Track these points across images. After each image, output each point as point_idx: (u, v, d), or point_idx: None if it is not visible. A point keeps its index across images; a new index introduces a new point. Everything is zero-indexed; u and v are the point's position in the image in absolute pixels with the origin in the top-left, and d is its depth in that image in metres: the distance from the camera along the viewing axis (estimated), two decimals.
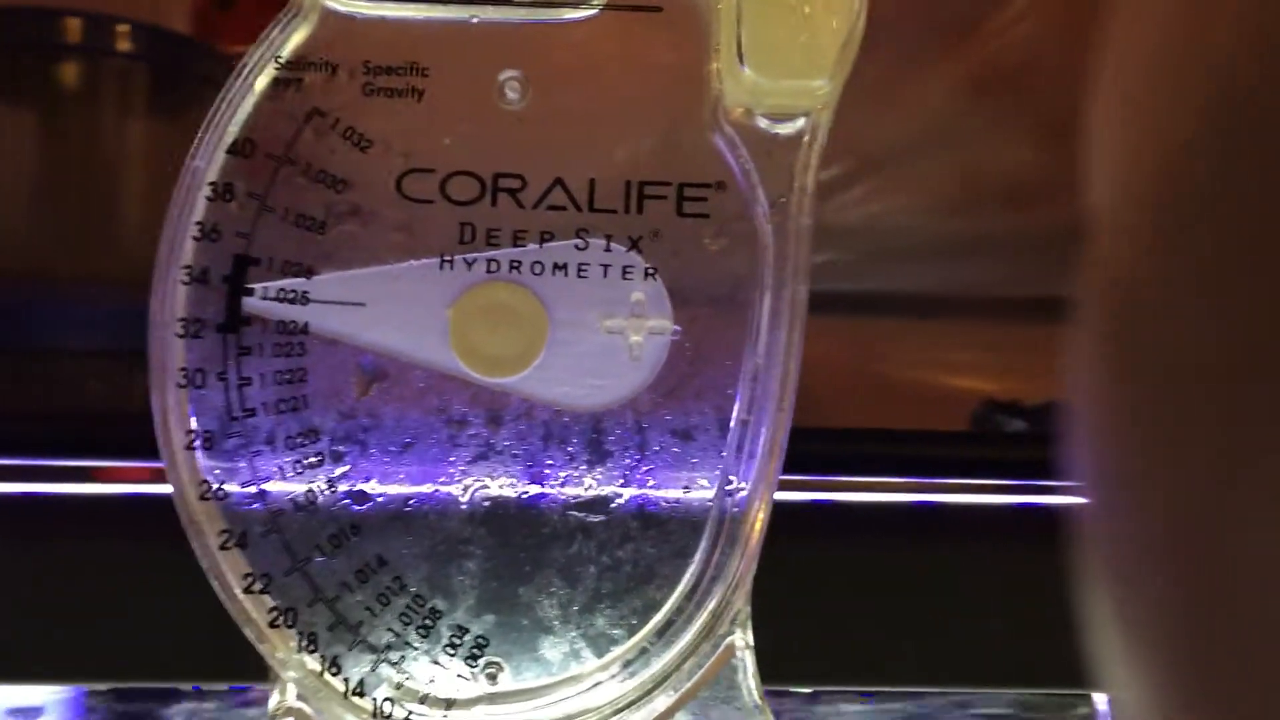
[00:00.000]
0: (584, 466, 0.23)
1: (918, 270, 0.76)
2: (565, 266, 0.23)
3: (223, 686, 0.35)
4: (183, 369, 0.22)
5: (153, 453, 0.41)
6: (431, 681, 0.23)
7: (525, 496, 0.23)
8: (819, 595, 0.35)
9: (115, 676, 0.33)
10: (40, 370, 0.63)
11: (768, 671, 0.24)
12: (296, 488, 0.22)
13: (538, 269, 0.23)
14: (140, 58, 0.64)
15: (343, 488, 0.23)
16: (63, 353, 0.62)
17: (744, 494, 0.23)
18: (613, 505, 0.23)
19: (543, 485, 0.23)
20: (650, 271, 0.23)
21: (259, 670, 0.23)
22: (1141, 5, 0.14)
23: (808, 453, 0.38)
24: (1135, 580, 0.13)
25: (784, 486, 0.26)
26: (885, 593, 0.37)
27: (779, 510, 0.28)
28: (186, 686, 0.36)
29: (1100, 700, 0.54)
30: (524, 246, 0.23)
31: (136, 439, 0.36)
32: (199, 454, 0.22)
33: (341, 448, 0.23)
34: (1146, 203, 0.12)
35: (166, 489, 0.37)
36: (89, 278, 0.62)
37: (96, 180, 0.62)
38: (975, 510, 0.41)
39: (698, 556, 0.23)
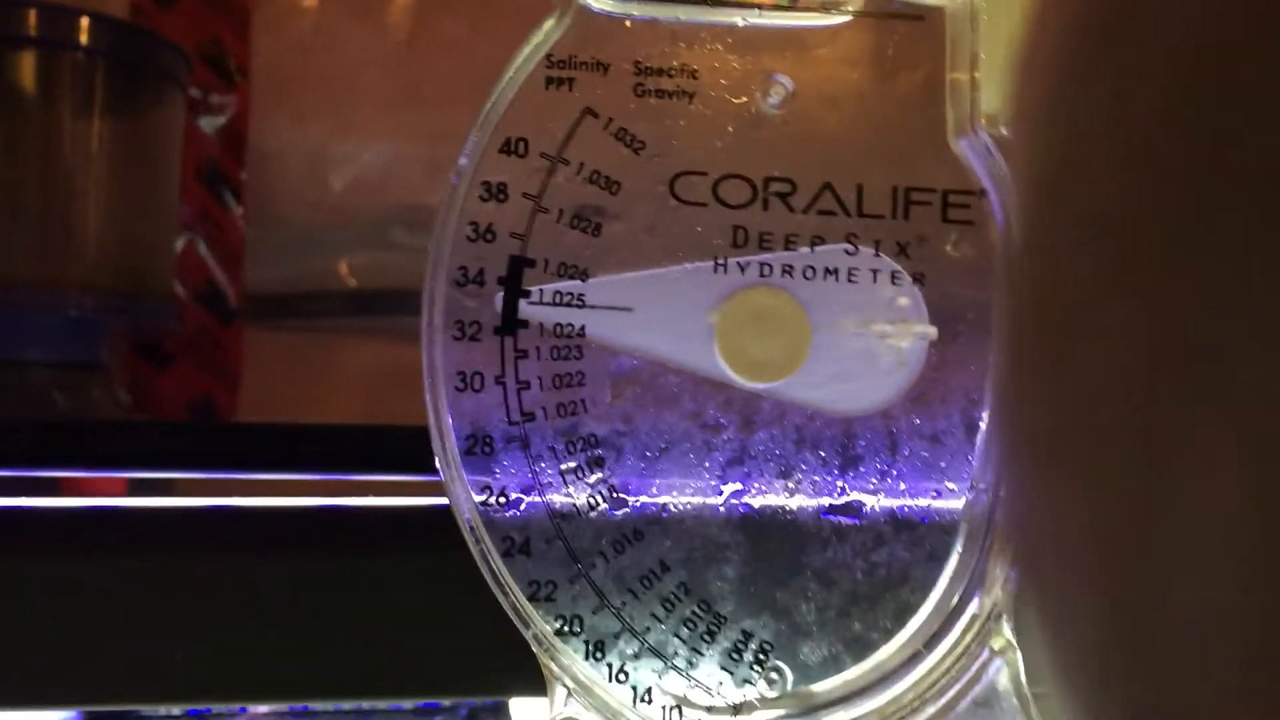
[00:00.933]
0: (835, 471, 0.23)
1: None
2: (836, 271, 0.23)
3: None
4: (460, 372, 0.21)
5: (119, 464, 0.40)
6: (715, 688, 0.22)
7: (778, 501, 0.23)
8: None
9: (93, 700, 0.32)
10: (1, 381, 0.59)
11: None
12: (575, 494, 0.22)
13: (809, 273, 0.23)
14: (100, 52, 0.61)
15: (613, 494, 0.22)
16: (24, 363, 0.59)
17: (992, 496, 0.23)
18: (865, 509, 0.23)
19: (793, 490, 0.23)
20: (917, 277, 0.23)
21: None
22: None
23: None
24: (1058, 583, 0.14)
25: None
26: None
27: None
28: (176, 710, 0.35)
29: None
30: (796, 250, 0.23)
31: (103, 451, 0.35)
32: (479, 461, 0.21)
33: (607, 452, 0.22)
34: (1064, 203, 0.13)
35: (136, 501, 0.36)
36: (49, 284, 0.59)
37: (55, 179, 0.59)
38: None
39: (952, 560, 0.23)
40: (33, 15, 0.60)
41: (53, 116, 0.61)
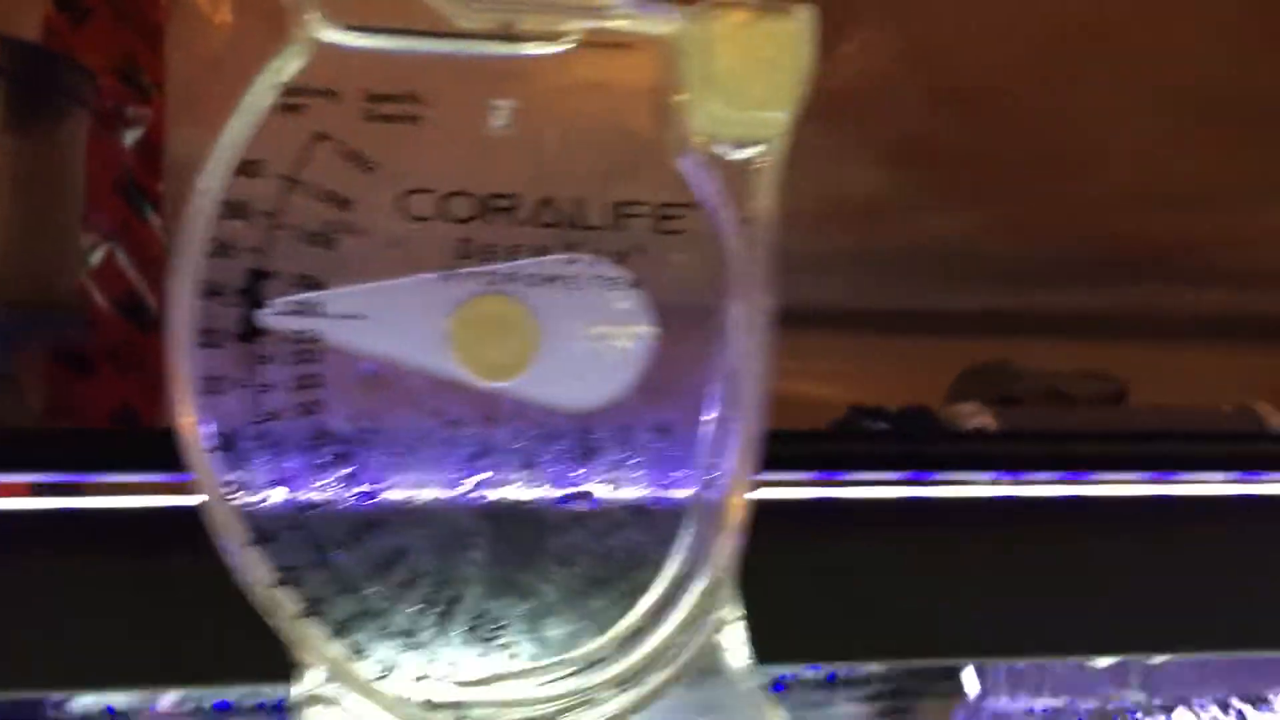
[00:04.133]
0: (575, 462, 0.25)
1: (779, 286, 0.80)
2: (557, 279, 0.25)
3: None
4: (204, 377, 0.23)
5: (29, 467, 0.41)
6: (451, 663, 0.24)
7: (521, 492, 0.25)
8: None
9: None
10: None
11: None
12: (315, 487, 0.24)
13: (531, 281, 0.25)
14: (2, 72, 0.63)
15: (356, 486, 0.24)
16: None
17: (724, 482, 0.25)
18: (602, 496, 0.25)
19: (537, 480, 0.25)
20: (634, 282, 0.25)
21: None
22: None
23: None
24: None
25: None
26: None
27: None
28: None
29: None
30: (518, 261, 0.25)
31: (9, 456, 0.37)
32: (222, 458, 0.23)
33: (353, 448, 0.24)
34: None
35: (45, 503, 0.38)
36: None
37: None
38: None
39: (682, 542, 0.25)
40: None
41: None
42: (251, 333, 0.24)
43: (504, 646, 0.25)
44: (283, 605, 0.24)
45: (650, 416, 0.25)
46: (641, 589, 0.25)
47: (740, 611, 0.25)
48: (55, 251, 0.66)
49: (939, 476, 0.41)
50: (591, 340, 0.25)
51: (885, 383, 0.79)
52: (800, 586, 0.36)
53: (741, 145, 0.25)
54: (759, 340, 0.25)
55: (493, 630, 0.25)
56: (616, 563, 0.25)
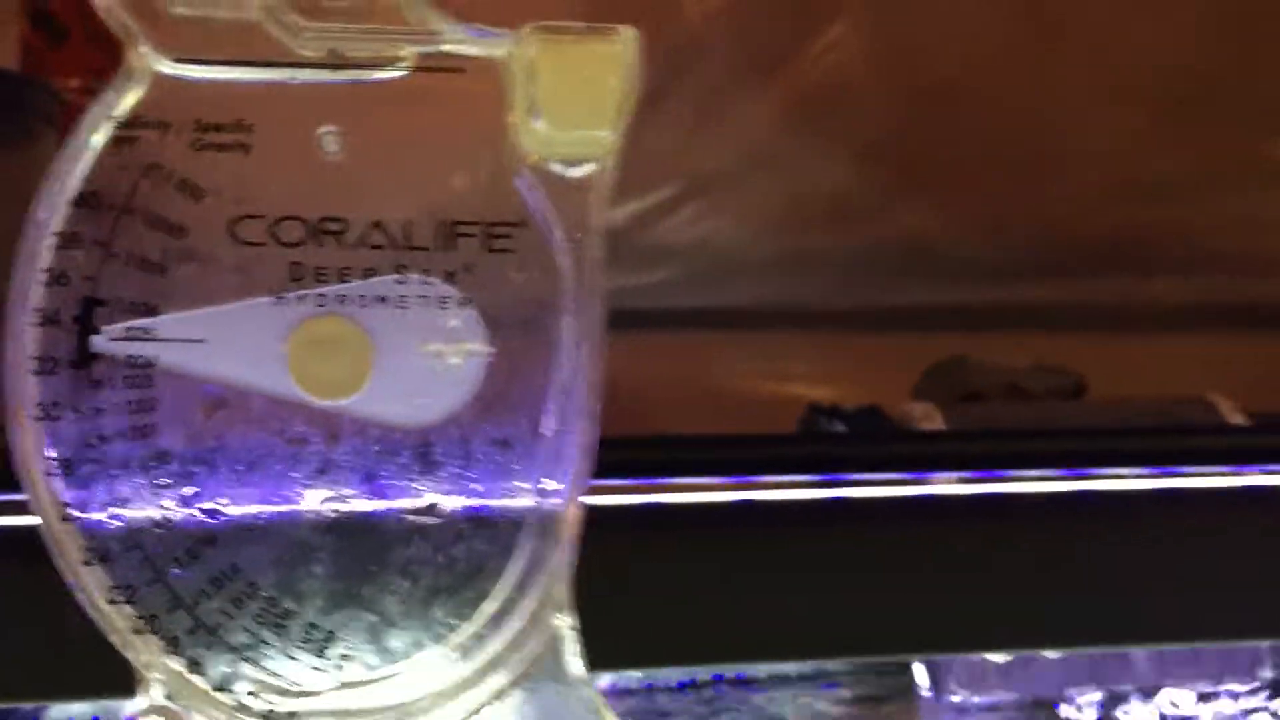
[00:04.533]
0: (416, 476, 0.26)
1: (746, 286, 0.80)
2: (387, 299, 0.25)
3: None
4: (39, 403, 0.24)
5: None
6: (288, 675, 0.25)
7: (363, 506, 0.26)
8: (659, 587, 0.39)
9: None
10: None
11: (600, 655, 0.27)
12: (152, 508, 0.25)
13: (363, 302, 0.25)
14: None
15: (195, 505, 0.25)
16: None
17: (560, 495, 0.26)
18: (443, 509, 0.26)
19: (379, 494, 0.26)
20: (464, 301, 0.26)
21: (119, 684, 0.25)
22: None
23: (639, 459, 0.42)
24: None
25: (605, 491, 0.29)
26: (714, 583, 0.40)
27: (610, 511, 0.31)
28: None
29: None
30: (349, 282, 0.25)
31: None
32: (58, 481, 0.24)
33: (192, 468, 0.25)
34: None
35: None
36: None
37: None
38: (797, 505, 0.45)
39: (521, 551, 0.26)
40: None
41: None
42: (86, 359, 0.24)
43: (344, 658, 0.25)
44: (118, 622, 0.24)
45: (488, 430, 0.26)
46: (482, 597, 0.26)
47: (574, 619, 0.26)
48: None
49: (844, 477, 0.42)
50: (425, 358, 0.26)
51: (855, 380, 0.79)
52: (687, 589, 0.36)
53: (571, 164, 0.26)
54: (591, 354, 0.26)
55: (332, 643, 0.25)
56: (458, 572, 0.26)
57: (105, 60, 0.88)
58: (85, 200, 0.25)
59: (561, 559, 0.26)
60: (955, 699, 0.59)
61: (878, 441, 0.49)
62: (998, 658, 0.58)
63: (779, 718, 0.58)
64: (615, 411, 0.28)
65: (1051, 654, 0.57)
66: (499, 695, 0.26)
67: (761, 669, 0.59)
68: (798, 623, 0.42)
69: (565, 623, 0.26)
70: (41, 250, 0.24)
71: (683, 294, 0.80)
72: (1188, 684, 0.56)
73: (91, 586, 0.24)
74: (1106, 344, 0.74)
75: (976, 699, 0.59)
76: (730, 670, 0.54)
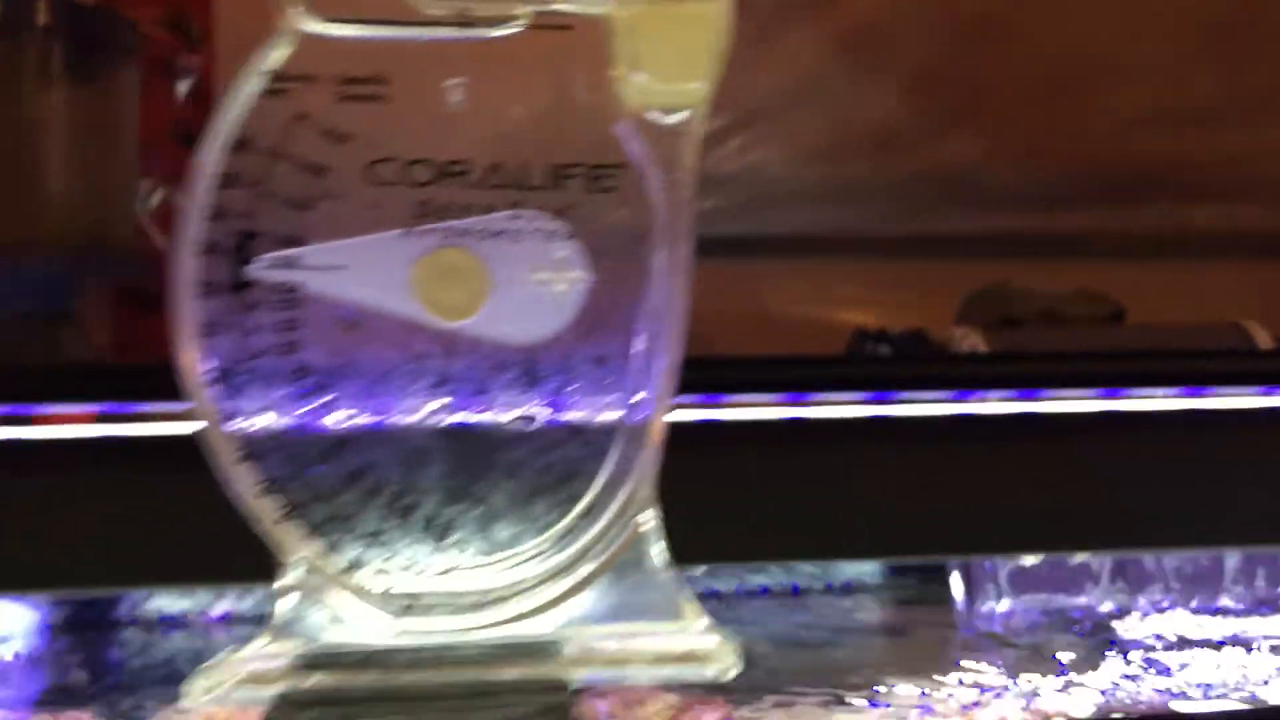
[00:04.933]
0: (522, 389, 0.30)
1: (794, 214, 0.83)
2: (503, 233, 0.29)
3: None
4: (201, 323, 0.28)
5: (89, 397, 0.47)
6: (409, 559, 0.29)
7: (475, 414, 0.30)
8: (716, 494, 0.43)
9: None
10: None
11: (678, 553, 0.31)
12: (295, 414, 0.28)
13: (481, 235, 0.29)
14: (56, 30, 0.68)
15: (332, 412, 0.29)
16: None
17: (646, 408, 0.30)
18: (545, 418, 0.30)
19: (489, 405, 0.30)
20: (570, 234, 0.29)
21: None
22: None
23: (706, 378, 0.45)
24: None
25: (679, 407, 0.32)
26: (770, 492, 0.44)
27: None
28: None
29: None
30: (470, 218, 0.29)
31: (73, 388, 0.42)
32: (216, 390, 0.28)
33: (329, 380, 0.29)
34: None
35: (105, 430, 0.43)
36: (17, 244, 0.66)
37: (21, 148, 0.66)
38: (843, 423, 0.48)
39: (611, 456, 0.30)
40: None
41: (16, 90, 0.68)
42: (241, 285, 0.28)
43: (457, 545, 0.29)
44: (266, 512, 0.28)
45: (587, 350, 0.30)
46: (577, 496, 0.30)
47: (658, 515, 0.30)
48: (110, 199, 0.71)
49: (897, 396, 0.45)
50: (534, 285, 0.29)
51: (899, 306, 0.82)
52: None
53: (667, 112, 0.29)
54: (680, 283, 0.30)
55: (447, 532, 0.29)
56: (556, 474, 0.30)
57: None
58: (241, 145, 0.28)
59: (647, 464, 0.30)
60: (986, 608, 0.63)
61: (924, 362, 0.53)
62: (1027, 562, 0.62)
63: (828, 623, 0.62)
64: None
65: (1079, 560, 0.61)
66: (590, 581, 0.30)
67: (812, 580, 0.63)
68: (848, 526, 0.46)
69: (649, 519, 0.30)
70: (203, 189, 0.28)
71: (732, 222, 0.83)
72: (1209, 597, 0.59)
73: (244, 481, 0.28)
74: (1145, 271, 0.76)
75: (1007, 606, 0.63)
76: (784, 577, 0.58)
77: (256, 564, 0.30)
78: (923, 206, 0.79)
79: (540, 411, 0.30)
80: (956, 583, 0.64)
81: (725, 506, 0.40)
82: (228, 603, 0.57)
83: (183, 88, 0.87)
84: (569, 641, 0.30)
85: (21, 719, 0.46)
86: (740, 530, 0.40)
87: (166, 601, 0.57)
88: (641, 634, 0.30)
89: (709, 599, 0.54)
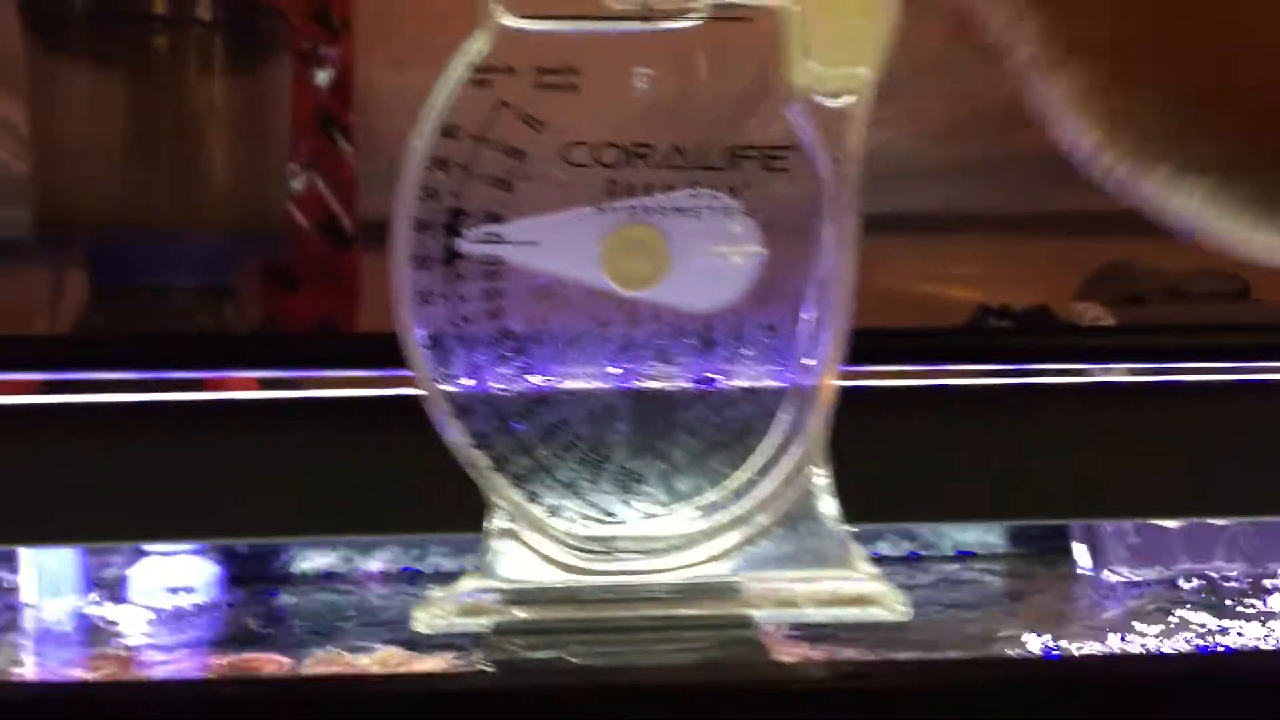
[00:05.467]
0: (699, 353, 0.32)
1: (918, 191, 0.85)
2: (683, 209, 0.32)
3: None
4: (417, 292, 0.31)
5: (254, 364, 0.50)
6: (602, 507, 0.32)
7: (658, 376, 0.32)
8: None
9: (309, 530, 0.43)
10: (151, 303, 0.72)
11: None
12: (504, 373, 0.31)
13: (664, 212, 0.32)
14: (216, 24, 0.72)
15: (532, 373, 0.32)
16: (168, 288, 0.71)
17: (815, 371, 0.32)
18: (721, 381, 0.32)
19: (670, 366, 0.32)
20: (745, 211, 0.32)
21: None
22: None
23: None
24: None
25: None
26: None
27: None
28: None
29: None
30: (654, 195, 0.32)
31: (239, 355, 0.46)
32: (431, 353, 0.31)
33: (529, 344, 0.32)
34: None
35: (266, 394, 0.47)
36: (186, 223, 0.71)
37: (185, 135, 0.70)
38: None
39: (783, 417, 0.32)
40: None
41: (180, 81, 0.72)
42: (452, 257, 0.31)
43: (644, 495, 0.32)
44: (478, 462, 0.31)
45: (759, 318, 0.32)
46: (751, 451, 0.32)
47: (829, 472, 0.32)
48: (266, 181, 0.75)
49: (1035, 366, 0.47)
50: (712, 257, 0.32)
51: (1021, 282, 0.84)
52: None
53: (836, 96, 0.32)
54: (847, 256, 0.32)
55: (635, 483, 0.32)
56: (732, 431, 0.32)
57: None
58: (449, 131, 0.31)
59: (817, 424, 0.32)
60: (1110, 576, 0.65)
61: (1050, 335, 0.54)
62: (1150, 533, 0.63)
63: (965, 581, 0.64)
64: None
65: (1209, 524, 0.62)
66: (766, 532, 0.32)
67: (948, 547, 0.65)
68: (985, 489, 0.48)
69: (821, 475, 0.32)
70: (415, 171, 0.31)
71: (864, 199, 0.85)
72: None
73: (458, 435, 0.31)
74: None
75: (1128, 575, 0.65)
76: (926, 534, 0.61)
77: (457, 514, 0.33)
78: (1043, 184, 0.80)
79: (716, 374, 0.32)
80: (1081, 551, 0.65)
81: (875, 468, 0.42)
82: (379, 561, 0.61)
83: (324, 76, 0.91)
84: (748, 584, 0.32)
85: (208, 659, 0.50)
86: (887, 492, 0.43)
87: (325, 560, 0.61)
88: (815, 579, 0.32)
89: None
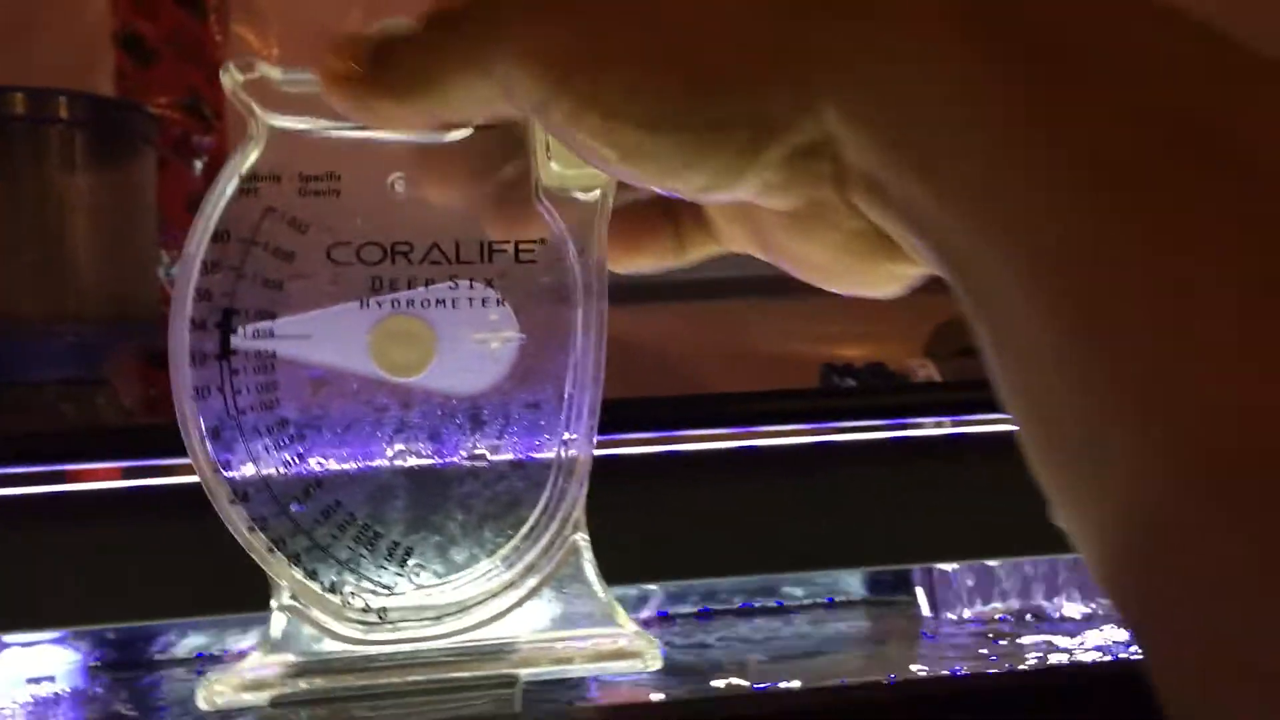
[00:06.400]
0: (468, 432, 0.35)
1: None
2: (444, 301, 0.34)
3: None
4: (194, 387, 0.33)
5: (119, 455, 0.52)
6: (378, 581, 0.34)
7: (430, 454, 0.35)
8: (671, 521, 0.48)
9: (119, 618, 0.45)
10: (15, 398, 0.74)
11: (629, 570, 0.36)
12: (276, 461, 0.34)
13: (426, 304, 0.34)
14: (78, 122, 0.75)
15: (308, 459, 0.34)
16: (35, 384, 0.73)
17: (576, 443, 0.35)
18: (490, 456, 0.35)
19: (442, 447, 0.35)
20: (500, 300, 0.34)
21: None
22: None
23: (663, 415, 0.50)
24: None
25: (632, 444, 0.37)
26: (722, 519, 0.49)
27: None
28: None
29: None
30: (416, 289, 0.34)
31: (104, 447, 0.48)
32: (209, 443, 0.33)
33: (304, 430, 0.34)
34: None
35: (134, 482, 0.49)
36: (50, 317, 0.73)
37: (48, 231, 0.72)
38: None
39: (549, 486, 0.35)
40: (20, 98, 0.74)
41: (42, 178, 0.75)
42: (227, 352, 0.34)
43: (419, 567, 0.35)
44: (257, 545, 0.34)
45: (522, 396, 0.35)
46: (521, 521, 0.35)
47: (588, 537, 0.35)
48: (134, 271, 0.77)
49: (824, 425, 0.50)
50: (474, 344, 0.35)
51: (874, 339, 0.87)
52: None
53: (586, 191, 0.35)
54: (598, 336, 0.35)
55: (410, 556, 0.34)
56: (502, 503, 0.35)
57: (192, 77, 1.00)
58: (220, 236, 0.34)
59: (578, 491, 0.35)
60: (951, 616, 0.67)
61: (856, 395, 0.58)
62: (984, 575, 0.66)
63: (806, 635, 0.66)
64: (665, 372, 0.35)
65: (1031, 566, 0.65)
66: (534, 593, 0.35)
67: (791, 599, 0.68)
68: (805, 544, 0.51)
69: (582, 539, 0.35)
70: (191, 274, 0.33)
71: (721, 265, 0.88)
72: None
73: (237, 520, 0.34)
74: None
75: (967, 614, 0.68)
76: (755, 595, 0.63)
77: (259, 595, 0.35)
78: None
79: (486, 451, 0.35)
80: (921, 597, 0.68)
81: (675, 528, 0.45)
82: (252, 639, 0.62)
83: (198, 164, 0.94)
84: (519, 645, 0.35)
85: None
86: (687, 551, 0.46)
87: (199, 640, 0.62)
88: (581, 637, 0.35)
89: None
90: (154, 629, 0.62)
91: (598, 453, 0.35)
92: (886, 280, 0.30)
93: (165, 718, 0.55)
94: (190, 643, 0.61)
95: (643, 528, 0.45)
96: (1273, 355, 0.19)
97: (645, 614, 0.67)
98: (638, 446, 0.47)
